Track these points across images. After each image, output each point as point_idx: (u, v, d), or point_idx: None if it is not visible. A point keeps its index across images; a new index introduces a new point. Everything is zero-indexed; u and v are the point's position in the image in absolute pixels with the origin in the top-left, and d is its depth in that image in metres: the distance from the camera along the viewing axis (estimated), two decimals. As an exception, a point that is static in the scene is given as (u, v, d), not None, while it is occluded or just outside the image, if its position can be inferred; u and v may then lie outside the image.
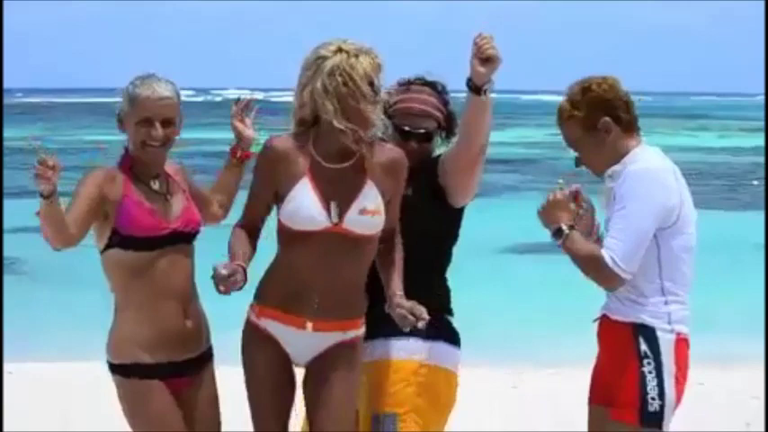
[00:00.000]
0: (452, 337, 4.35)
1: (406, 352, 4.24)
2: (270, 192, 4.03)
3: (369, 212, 3.98)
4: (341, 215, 3.96)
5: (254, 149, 4.45)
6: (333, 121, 3.90)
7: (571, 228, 4.12)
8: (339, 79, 3.88)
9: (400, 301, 3.94)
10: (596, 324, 4.28)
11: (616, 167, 4.12)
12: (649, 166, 4.10)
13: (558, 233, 4.13)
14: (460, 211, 4.37)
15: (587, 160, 4.22)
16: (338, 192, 3.97)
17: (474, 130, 4.13)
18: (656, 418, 4.08)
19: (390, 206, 4.06)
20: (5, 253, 12.30)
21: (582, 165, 4.25)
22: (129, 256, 4.09)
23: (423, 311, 3.89)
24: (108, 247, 4.11)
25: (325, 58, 3.91)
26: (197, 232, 4.24)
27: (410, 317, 3.89)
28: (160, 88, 4.12)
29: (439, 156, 4.36)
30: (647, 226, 4.03)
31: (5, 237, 14.17)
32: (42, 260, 14.46)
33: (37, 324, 10.94)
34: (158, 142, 4.12)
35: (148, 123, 4.10)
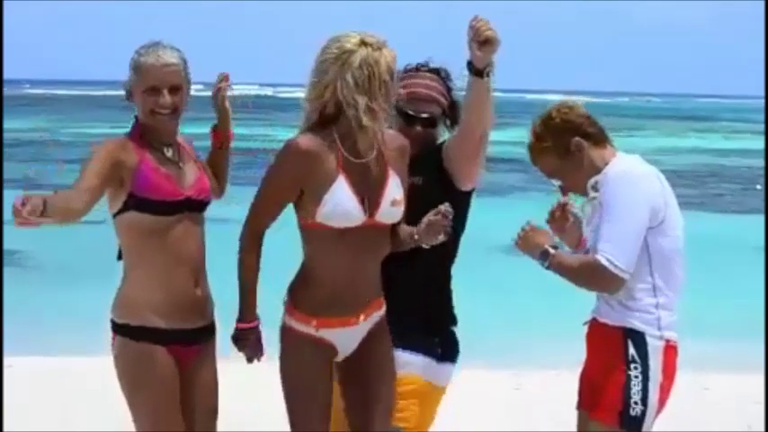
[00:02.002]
0: (455, 356, 4.40)
1: (419, 370, 4.27)
2: (294, 191, 3.98)
3: (398, 203, 4.03)
4: (373, 208, 3.97)
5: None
6: (362, 117, 3.87)
7: (554, 247, 4.15)
8: (366, 73, 3.85)
9: (419, 224, 4.02)
10: (585, 327, 4.28)
11: (597, 177, 4.15)
12: (629, 168, 4.14)
13: (543, 255, 4.14)
14: (468, 195, 4.37)
15: (571, 184, 4.26)
16: (368, 185, 3.97)
17: (476, 113, 4.11)
18: (637, 423, 4.09)
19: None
20: (6, 246, 12.28)
21: (568, 191, 4.30)
22: (144, 219, 4.06)
23: (441, 210, 3.97)
24: (122, 210, 4.08)
25: (351, 52, 3.87)
26: (209, 201, 4.22)
27: (437, 217, 3.98)
28: (165, 55, 4.09)
29: (443, 143, 4.36)
30: (637, 224, 4.04)
31: (6, 229, 14.10)
32: (44, 253, 14.46)
33: (37, 318, 10.91)
34: (167, 110, 4.10)
35: (156, 92, 4.08)
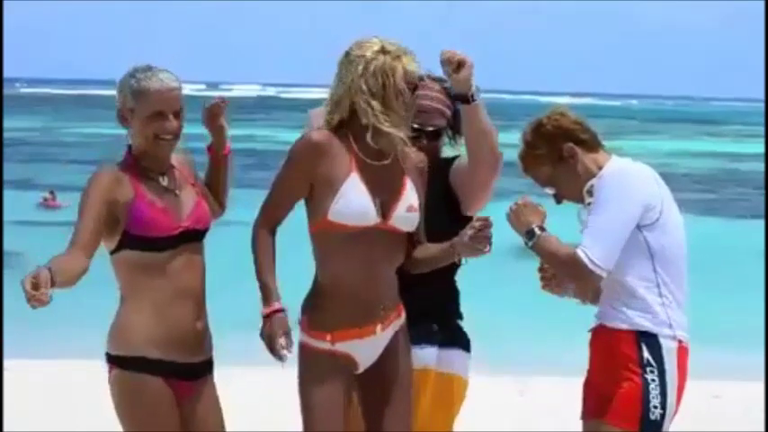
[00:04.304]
0: (465, 344, 4.35)
1: (422, 361, 4.21)
2: (305, 186, 3.94)
3: (413, 210, 4.00)
4: (387, 212, 3.94)
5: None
6: (375, 123, 3.88)
7: (542, 229, 4.09)
8: (380, 81, 3.87)
9: (459, 235, 3.97)
10: (590, 334, 4.20)
11: (593, 181, 4.11)
12: (624, 167, 4.11)
13: (530, 234, 4.09)
14: (471, 217, 4.31)
15: (566, 192, 4.21)
16: (383, 189, 3.95)
17: (478, 139, 4.10)
18: (657, 427, 4.03)
19: (420, 211, 4.05)
20: (5, 247, 12.27)
21: (563, 199, 4.24)
22: (140, 256, 3.97)
23: (476, 226, 3.94)
24: (117, 249, 3.99)
25: (369, 59, 3.89)
26: (207, 229, 4.13)
27: (476, 230, 3.93)
28: (168, 79, 4.00)
29: (449, 159, 4.34)
30: (622, 222, 3.99)
31: (6, 230, 14.12)
32: (43, 254, 14.37)
33: (37, 320, 10.83)
34: (172, 135, 4.01)
35: (162, 117, 3.98)
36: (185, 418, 4.06)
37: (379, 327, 3.99)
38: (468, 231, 3.96)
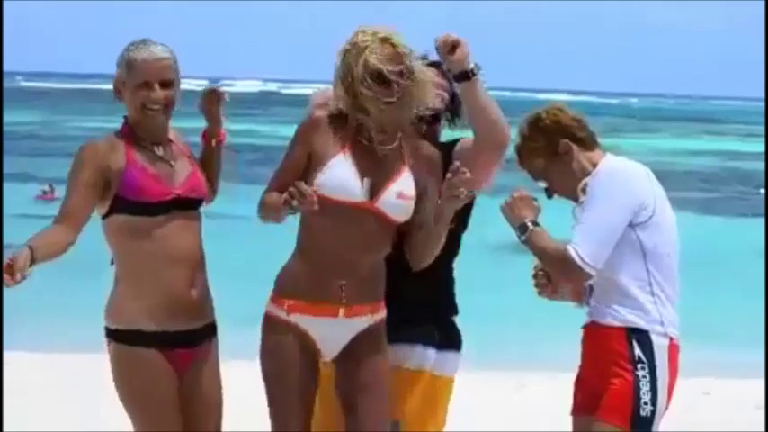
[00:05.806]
0: (459, 344, 4.35)
1: (421, 361, 4.22)
2: (305, 157, 4.01)
3: (405, 197, 4.01)
4: (375, 194, 3.97)
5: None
6: (353, 114, 3.95)
7: (535, 224, 4.11)
8: (347, 73, 3.94)
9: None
10: (582, 331, 4.22)
11: (587, 179, 4.13)
12: (618, 166, 4.13)
13: (522, 228, 4.11)
14: (472, 199, 4.29)
15: (558, 187, 4.24)
16: (376, 171, 3.99)
17: (483, 117, 4.12)
18: (647, 424, 4.05)
19: (426, 200, 4.05)
20: (5, 240, 12.26)
21: (554, 194, 4.26)
22: (130, 221, 4.01)
23: (448, 174, 3.89)
24: (108, 213, 4.04)
25: (340, 52, 3.99)
26: (202, 199, 4.16)
27: (449, 180, 3.88)
28: (157, 50, 4.05)
29: (449, 143, 4.34)
30: (614, 220, 4.02)
31: (6, 225, 14.05)
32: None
33: (36, 313, 10.88)
34: (158, 105, 4.05)
35: (147, 86, 4.03)
36: (188, 386, 4.10)
37: (341, 311, 3.99)
38: (444, 185, 3.93)
